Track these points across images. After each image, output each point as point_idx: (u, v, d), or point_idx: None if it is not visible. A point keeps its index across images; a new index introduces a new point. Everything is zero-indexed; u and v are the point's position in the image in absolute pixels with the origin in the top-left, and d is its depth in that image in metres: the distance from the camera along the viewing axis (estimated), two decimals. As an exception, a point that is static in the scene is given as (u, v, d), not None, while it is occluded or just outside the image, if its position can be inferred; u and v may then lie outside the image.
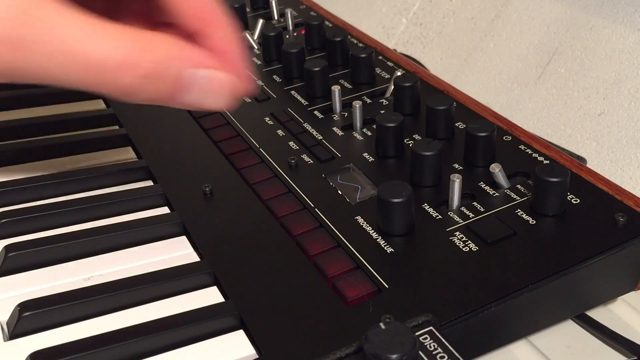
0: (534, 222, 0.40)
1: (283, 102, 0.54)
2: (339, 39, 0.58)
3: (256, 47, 0.63)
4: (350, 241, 0.40)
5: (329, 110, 0.53)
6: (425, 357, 0.30)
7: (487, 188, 0.43)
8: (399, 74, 0.55)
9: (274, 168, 0.47)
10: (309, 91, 0.55)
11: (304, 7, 0.70)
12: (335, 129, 0.50)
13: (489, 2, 0.72)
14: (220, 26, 0.33)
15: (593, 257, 0.37)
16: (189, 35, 0.32)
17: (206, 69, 0.31)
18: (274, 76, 0.58)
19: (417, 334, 0.31)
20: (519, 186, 0.43)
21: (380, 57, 0.59)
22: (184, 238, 0.42)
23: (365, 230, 0.40)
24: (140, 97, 0.30)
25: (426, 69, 0.69)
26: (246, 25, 0.66)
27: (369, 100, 0.53)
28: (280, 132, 0.51)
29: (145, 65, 0.29)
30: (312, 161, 0.47)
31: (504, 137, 0.47)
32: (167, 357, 0.34)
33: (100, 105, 0.57)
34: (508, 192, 0.42)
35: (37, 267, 0.40)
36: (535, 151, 0.46)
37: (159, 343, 0.34)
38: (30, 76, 0.29)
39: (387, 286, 0.36)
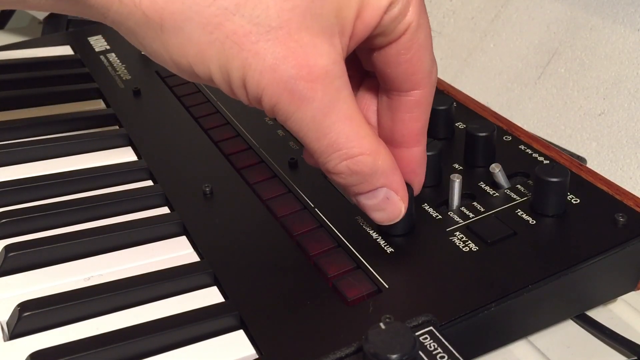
0: (534, 222, 0.40)
1: (283, 102, 0.54)
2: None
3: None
4: (350, 241, 0.40)
5: (329, 110, 0.52)
6: (425, 357, 0.30)
7: (487, 188, 0.43)
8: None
9: (274, 168, 0.47)
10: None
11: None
12: (335, 129, 0.50)
13: (489, 2, 0.72)
14: (421, 144, 0.38)
15: (593, 257, 0.37)
16: (391, 134, 0.37)
17: (397, 196, 0.36)
18: (274, 76, 0.58)
19: (417, 334, 0.31)
20: (519, 186, 0.43)
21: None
22: (184, 238, 0.42)
23: (365, 230, 0.40)
24: (335, 179, 0.35)
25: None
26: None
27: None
28: (280, 132, 0.51)
29: (363, 166, 0.34)
30: (312, 161, 0.47)
31: (504, 137, 0.47)
32: (167, 357, 0.34)
33: (100, 105, 0.57)
34: (508, 192, 0.42)
35: (37, 267, 0.40)
36: (535, 151, 0.46)
37: (159, 343, 0.34)
38: (275, 114, 0.32)
39: (387, 286, 0.36)
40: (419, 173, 0.39)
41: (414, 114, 0.36)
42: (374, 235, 0.40)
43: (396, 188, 0.36)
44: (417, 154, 0.38)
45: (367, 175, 0.34)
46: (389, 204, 0.36)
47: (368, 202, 0.36)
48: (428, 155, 0.42)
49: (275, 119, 0.33)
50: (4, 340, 0.35)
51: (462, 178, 0.41)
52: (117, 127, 0.54)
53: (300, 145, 0.49)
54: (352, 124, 0.33)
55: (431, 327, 0.31)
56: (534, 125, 0.62)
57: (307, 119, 0.32)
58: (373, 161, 0.34)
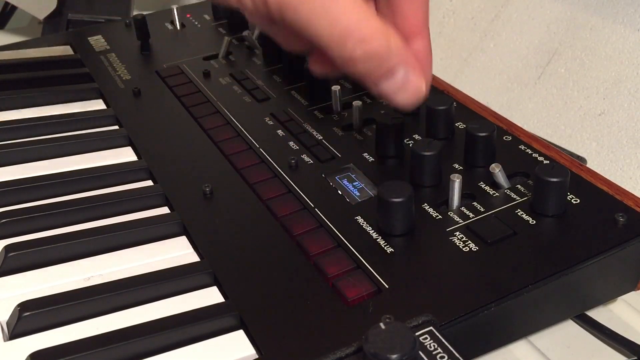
0: (534, 222, 0.40)
1: (283, 102, 0.54)
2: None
3: (257, 48, 0.63)
4: (350, 241, 0.40)
5: (329, 110, 0.53)
6: (425, 357, 0.30)
7: (487, 188, 0.43)
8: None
9: (274, 168, 0.47)
10: (309, 91, 0.55)
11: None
12: (335, 129, 0.50)
13: (489, 2, 0.72)
14: (425, 36, 0.38)
15: (593, 257, 0.37)
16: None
17: (414, 73, 0.36)
18: (274, 76, 0.58)
19: (417, 334, 0.31)
20: (519, 186, 0.43)
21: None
22: (184, 238, 0.42)
23: (365, 230, 0.40)
24: (354, 69, 0.35)
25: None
26: (246, 25, 0.66)
27: (369, 100, 0.53)
28: (280, 132, 0.51)
29: (378, 47, 0.34)
30: (312, 161, 0.47)
31: (504, 137, 0.47)
32: (167, 357, 0.34)
33: (100, 105, 0.57)
34: (508, 192, 0.42)
35: (37, 267, 0.40)
36: (535, 151, 0.46)
37: (159, 343, 0.34)
38: (283, 17, 0.33)
39: (387, 286, 0.36)
40: (426, 69, 0.39)
41: (414, 3, 0.37)
42: (374, 235, 0.40)
43: (413, 65, 0.36)
44: (421, 47, 0.38)
45: (383, 54, 0.34)
46: (409, 82, 0.36)
47: (389, 86, 0.36)
48: (428, 156, 0.42)
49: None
50: (4, 340, 0.35)
51: (462, 178, 0.41)
52: (117, 127, 0.54)
53: (301, 146, 0.49)
54: (359, 8, 0.33)
55: (431, 327, 0.31)
56: (534, 125, 0.62)
57: (317, 7, 0.32)
58: (386, 40, 0.34)
